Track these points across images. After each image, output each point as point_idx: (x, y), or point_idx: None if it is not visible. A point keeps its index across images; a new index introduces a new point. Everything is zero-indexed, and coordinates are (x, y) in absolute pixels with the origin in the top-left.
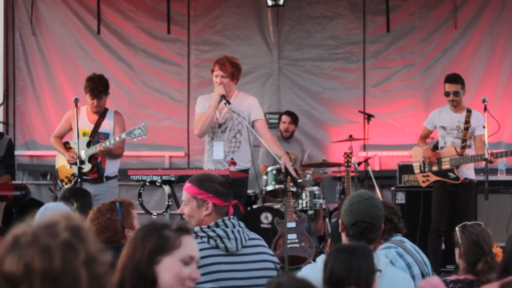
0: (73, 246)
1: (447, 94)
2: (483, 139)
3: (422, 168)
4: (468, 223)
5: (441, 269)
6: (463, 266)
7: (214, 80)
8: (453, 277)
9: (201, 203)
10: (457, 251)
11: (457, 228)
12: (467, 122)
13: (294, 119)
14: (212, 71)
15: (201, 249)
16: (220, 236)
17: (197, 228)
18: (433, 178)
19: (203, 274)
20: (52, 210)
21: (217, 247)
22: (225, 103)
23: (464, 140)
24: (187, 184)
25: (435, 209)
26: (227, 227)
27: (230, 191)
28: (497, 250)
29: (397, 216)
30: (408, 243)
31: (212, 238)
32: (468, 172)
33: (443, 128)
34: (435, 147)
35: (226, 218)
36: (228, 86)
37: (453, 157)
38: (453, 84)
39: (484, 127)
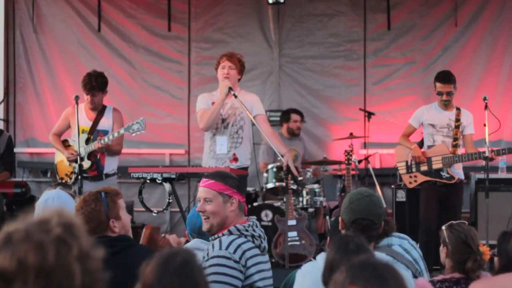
0: (66, 242)
1: (440, 94)
2: (472, 138)
3: (409, 169)
4: (454, 222)
5: (433, 267)
6: (450, 265)
7: (220, 73)
8: (439, 277)
9: (227, 199)
10: (443, 250)
11: (443, 228)
12: (457, 120)
13: (302, 116)
14: (218, 64)
15: (249, 248)
16: (260, 237)
17: (240, 227)
18: (422, 178)
19: (255, 272)
20: (55, 199)
21: (258, 246)
22: (233, 94)
23: (455, 139)
24: (209, 181)
25: (425, 208)
26: (256, 226)
27: None
28: (484, 249)
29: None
30: (397, 245)
31: (255, 237)
32: (459, 171)
33: (432, 126)
34: (419, 146)
35: (253, 217)
36: (233, 80)
37: (446, 156)
38: (447, 84)
39: (484, 125)
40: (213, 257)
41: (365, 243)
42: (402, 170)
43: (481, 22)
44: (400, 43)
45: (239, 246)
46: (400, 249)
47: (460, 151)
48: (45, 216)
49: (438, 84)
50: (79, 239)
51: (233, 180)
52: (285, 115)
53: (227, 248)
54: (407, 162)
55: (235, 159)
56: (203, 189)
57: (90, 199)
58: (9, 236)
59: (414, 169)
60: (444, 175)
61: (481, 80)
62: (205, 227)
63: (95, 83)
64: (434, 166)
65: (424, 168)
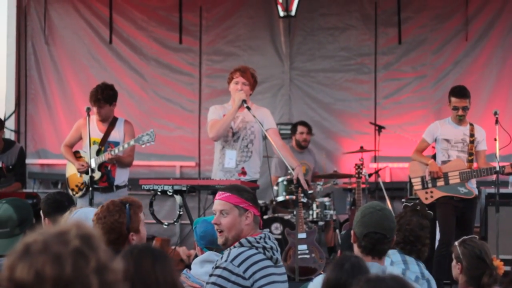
0: (84, 254)
1: (455, 108)
2: (485, 154)
3: (425, 184)
4: (466, 237)
5: (444, 282)
6: (464, 280)
7: (233, 87)
8: None
9: (243, 212)
10: (457, 266)
11: (456, 244)
12: (472, 135)
13: (309, 128)
14: (231, 79)
15: (259, 260)
16: (272, 248)
17: (251, 239)
18: (438, 194)
19: (266, 284)
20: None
21: (270, 258)
22: (246, 107)
23: (471, 154)
24: (225, 194)
25: (444, 223)
26: (269, 238)
27: None
28: (498, 263)
29: (402, 235)
30: (401, 263)
31: (267, 249)
32: (474, 186)
33: (447, 141)
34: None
35: (266, 230)
36: (246, 95)
37: (464, 171)
38: (462, 99)
39: (495, 139)
40: (217, 267)
41: (362, 264)
42: (417, 186)
43: (491, 37)
44: (411, 57)
45: (247, 258)
46: (398, 269)
47: (474, 166)
48: (64, 227)
49: (453, 99)
50: (97, 251)
51: (249, 193)
52: (293, 127)
53: (232, 260)
54: (423, 177)
55: (244, 173)
56: (219, 201)
57: (114, 210)
58: (27, 247)
59: (430, 185)
60: (462, 190)
61: (492, 94)
62: (220, 240)
63: (101, 96)
64: (451, 181)
65: (440, 183)
